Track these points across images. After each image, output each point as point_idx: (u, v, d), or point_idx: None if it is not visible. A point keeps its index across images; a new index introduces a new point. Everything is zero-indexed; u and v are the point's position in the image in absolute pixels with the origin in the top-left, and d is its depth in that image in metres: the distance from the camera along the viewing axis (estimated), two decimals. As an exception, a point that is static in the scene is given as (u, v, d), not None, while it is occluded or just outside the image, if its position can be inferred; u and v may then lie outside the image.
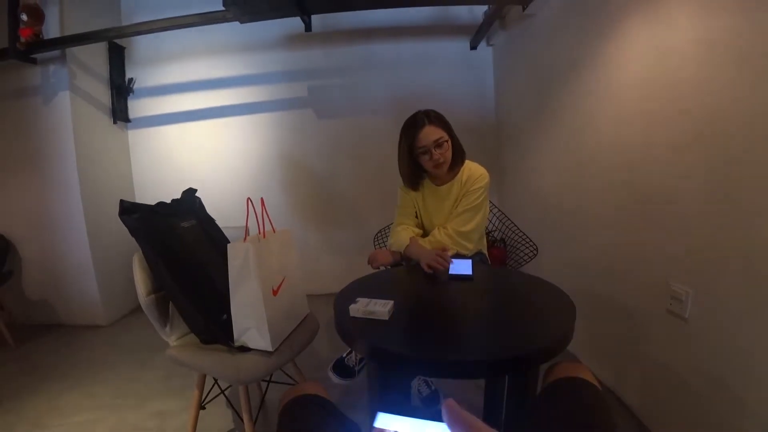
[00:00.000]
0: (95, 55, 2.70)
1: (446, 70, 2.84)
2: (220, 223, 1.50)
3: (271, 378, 1.42)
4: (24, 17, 2.23)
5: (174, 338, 1.29)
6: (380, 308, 0.94)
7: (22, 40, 2.25)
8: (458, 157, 1.47)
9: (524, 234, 1.85)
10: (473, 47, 2.81)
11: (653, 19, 1.27)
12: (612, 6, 1.47)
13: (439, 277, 1.25)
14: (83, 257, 2.58)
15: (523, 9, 2.12)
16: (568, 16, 1.79)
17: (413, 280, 1.31)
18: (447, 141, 1.40)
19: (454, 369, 0.82)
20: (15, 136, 2.54)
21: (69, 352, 2.26)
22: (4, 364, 2.14)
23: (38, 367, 2.09)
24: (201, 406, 1.33)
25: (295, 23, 2.46)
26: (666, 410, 1.31)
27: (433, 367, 0.84)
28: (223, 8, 2.06)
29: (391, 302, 0.97)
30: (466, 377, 1.50)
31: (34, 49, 2.32)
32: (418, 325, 0.97)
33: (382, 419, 0.45)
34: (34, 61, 2.43)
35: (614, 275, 1.55)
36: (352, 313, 0.96)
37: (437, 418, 0.44)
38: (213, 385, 1.45)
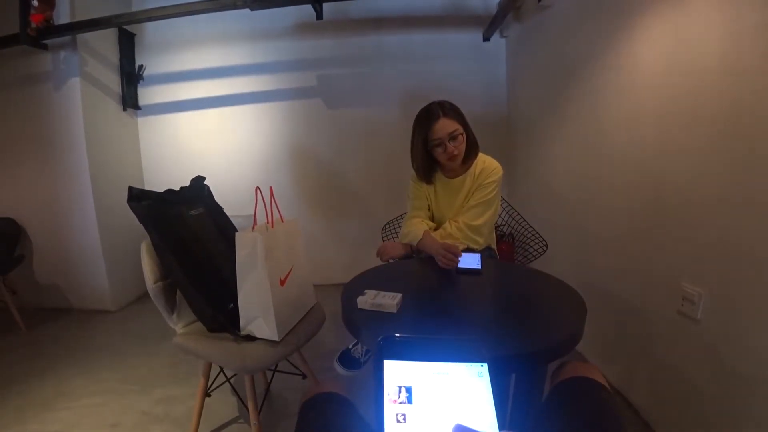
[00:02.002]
0: (106, 41, 2.69)
1: (458, 62, 2.79)
2: (228, 211, 1.50)
3: (276, 367, 1.42)
4: (35, 3, 2.22)
5: (181, 326, 1.30)
6: (388, 301, 0.93)
7: (33, 26, 2.25)
8: (472, 150, 1.44)
9: (534, 230, 1.83)
10: (486, 39, 2.76)
11: (674, 12, 1.23)
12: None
13: (448, 271, 1.24)
14: (92, 243, 2.60)
15: (539, 0, 2.07)
16: (585, 8, 1.74)
17: (421, 272, 1.30)
18: (462, 134, 1.38)
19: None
20: (26, 122, 2.56)
21: (78, 337, 2.30)
22: (15, 347, 2.18)
23: (47, 351, 2.12)
24: (206, 394, 1.34)
25: (306, 11, 2.43)
26: (674, 413, 1.29)
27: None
28: (233, -5, 2.05)
29: (399, 295, 0.96)
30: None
31: (45, 34, 2.32)
32: (425, 319, 0.96)
33: (390, 367, 0.41)
34: (45, 47, 2.44)
35: (625, 274, 1.53)
36: (359, 305, 0.95)
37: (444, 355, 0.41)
38: (219, 373, 1.45)
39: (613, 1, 1.53)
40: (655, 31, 1.31)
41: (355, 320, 0.92)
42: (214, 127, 2.94)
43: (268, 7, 2.24)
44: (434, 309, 1.03)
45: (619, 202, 1.54)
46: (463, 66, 2.80)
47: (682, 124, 1.21)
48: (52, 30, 2.31)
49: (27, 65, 2.51)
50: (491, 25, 2.63)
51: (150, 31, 2.87)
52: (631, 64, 1.44)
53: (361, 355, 1.70)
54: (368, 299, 0.94)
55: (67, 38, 2.43)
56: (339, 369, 1.70)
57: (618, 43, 1.50)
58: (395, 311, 0.92)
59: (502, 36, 2.77)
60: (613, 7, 1.53)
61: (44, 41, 2.40)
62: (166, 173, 2.99)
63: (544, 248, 1.76)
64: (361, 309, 0.95)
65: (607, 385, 0.72)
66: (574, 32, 1.85)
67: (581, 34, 1.78)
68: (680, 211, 1.23)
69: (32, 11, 2.24)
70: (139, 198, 1.19)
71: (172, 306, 1.27)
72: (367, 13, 2.74)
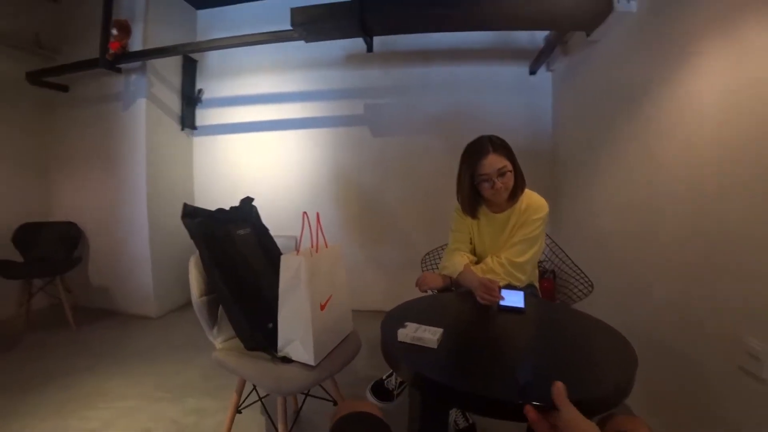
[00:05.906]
0: (171, 66, 2.94)
1: (503, 94, 2.79)
2: (272, 232, 1.54)
3: (309, 392, 1.42)
4: (114, 32, 2.48)
5: (220, 340, 1.33)
6: (429, 335, 0.92)
7: (111, 52, 2.50)
8: (519, 186, 1.41)
9: (579, 269, 1.76)
10: (532, 72, 2.76)
11: (732, 46, 1.18)
12: (684, 33, 1.39)
13: (490, 308, 1.21)
14: (143, 252, 2.76)
15: (587, 35, 2.06)
16: (635, 43, 1.71)
17: (463, 307, 1.27)
18: (510, 171, 1.35)
19: (497, 408, 0.78)
20: (96, 137, 2.82)
21: (120, 339, 2.41)
22: (64, 343, 2.32)
23: (92, 350, 2.24)
24: (238, 410, 1.35)
25: (357, 43, 2.55)
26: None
27: (477, 403, 0.80)
28: (290, 28, 2.17)
29: (441, 330, 0.95)
30: (509, 418, 1.42)
31: (120, 60, 2.57)
32: (465, 357, 0.93)
33: None
34: (118, 71, 2.69)
35: (678, 322, 1.42)
36: (400, 338, 0.94)
37: None
38: (251, 391, 1.47)
39: (666, 36, 1.49)
40: (712, 66, 1.26)
41: (395, 353, 0.91)
42: (263, 150, 3.09)
43: (322, 40, 2.36)
44: (475, 347, 1.00)
45: (674, 245, 1.46)
46: (508, 99, 2.79)
47: (745, 165, 1.13)
48: (127, 56, 2.55)
49: (102, 86, 2.78)
50: (538, 59, 2.64)
51: (211, 59, 3.10)
52: (684, 101, 1.39)
53: (395, 387, 1.66)
54: (409, 332, 0.93)
55: (137, 63, 2.67)
56: (371, 399, 1.67)
57: (670, 79, 1.46)
58: (435, 347, 0.91)
59: (548, 70, 2.76)
60: (665, 41, 1.49)
61: (119, 65, 2.65)
62: (216, 191, 3.15)
63: (590, 288, 1.68)
64: (401, 342, 0.94)
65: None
66: (623, 67, 1.82)
67: (631, 69, 1.74)
68: (744, 259, 1.14)
69: (111, 39, 2.49)
70: (192, 215, 1.26)
71: (213, 320, 1.31)
72: (415, 46, 2.82)
